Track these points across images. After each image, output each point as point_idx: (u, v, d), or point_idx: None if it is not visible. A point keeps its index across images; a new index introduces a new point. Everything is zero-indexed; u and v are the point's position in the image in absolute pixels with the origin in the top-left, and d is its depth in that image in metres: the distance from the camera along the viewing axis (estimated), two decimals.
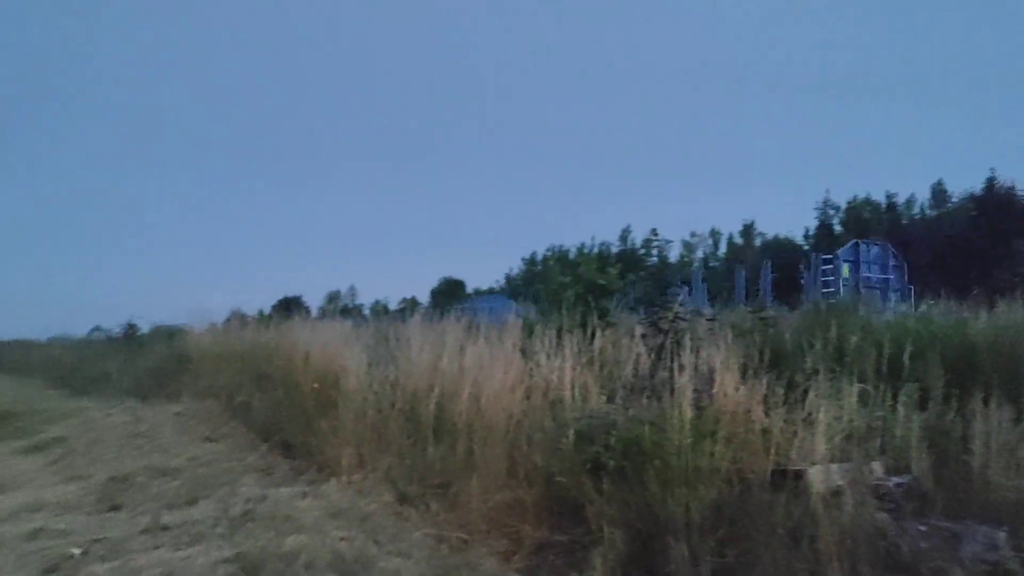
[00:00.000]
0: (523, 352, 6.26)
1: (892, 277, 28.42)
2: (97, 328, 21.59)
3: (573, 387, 5.62)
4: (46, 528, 5.60)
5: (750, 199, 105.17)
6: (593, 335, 6.32)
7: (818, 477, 4.09)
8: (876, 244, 30.24)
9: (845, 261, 27.51)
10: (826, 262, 27.49)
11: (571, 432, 4.88)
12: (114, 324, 19.87)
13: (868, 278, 26.91)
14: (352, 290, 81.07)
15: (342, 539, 4.85)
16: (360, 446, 6.44)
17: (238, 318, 13.05)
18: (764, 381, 4.65)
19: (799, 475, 4.14)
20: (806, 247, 61.54)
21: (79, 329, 25.58)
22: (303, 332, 9.01)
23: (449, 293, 69.17)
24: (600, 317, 6.90)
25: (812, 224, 65.56)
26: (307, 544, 4.68)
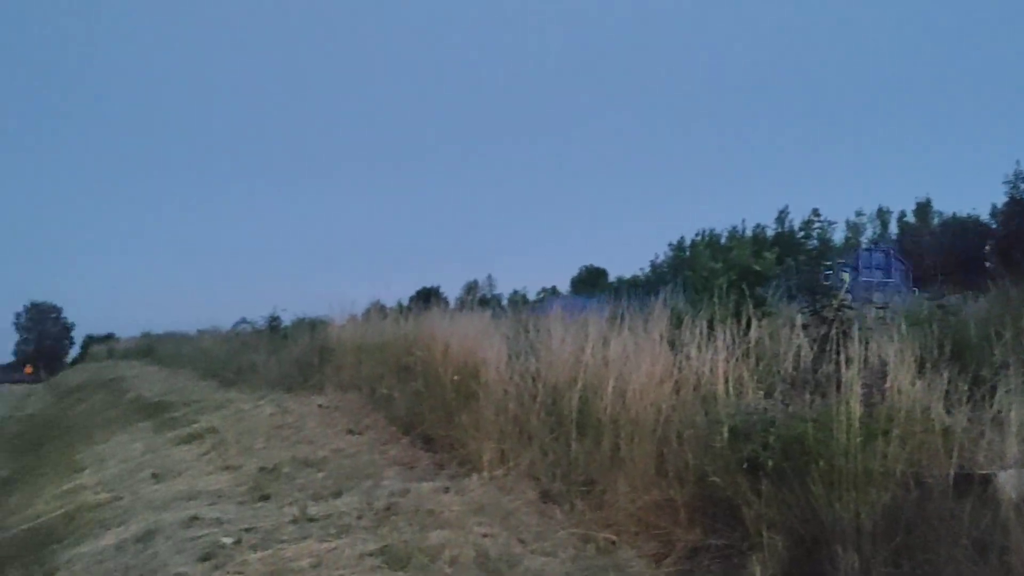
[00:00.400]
0: (671, 343, 6.18)
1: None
2: (243, 320, 22.95)
3: (727, 381, 5.50)
4: (201, 516, 6.04)
5: (925, 174, 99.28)
6: (748, 325, 6.16)
7: (1009, 483, 3.84)
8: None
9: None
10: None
11: (725, 429, 4.79)
12: (258, 316, 21.09)
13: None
14: (490, 280, 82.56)
15: (485, 536, 4.97)
16: (501, 440, 6.57)
17: (377, 309, 13.52)
18: (945, 375, 4.40)
19: (987, 480, 3.89)
20: (994, 225, 57.49)
21: (226, 322, 27.30)
22: (442, 323, 9.25)
23: (590, 282, 69.09)
24: (756, 306, 6.70)
25: (1000, 200, 61.09)
26: (451, 539, 4.83)
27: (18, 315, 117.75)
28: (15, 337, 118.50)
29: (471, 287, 74.79)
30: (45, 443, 17.24)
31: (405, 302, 15.47)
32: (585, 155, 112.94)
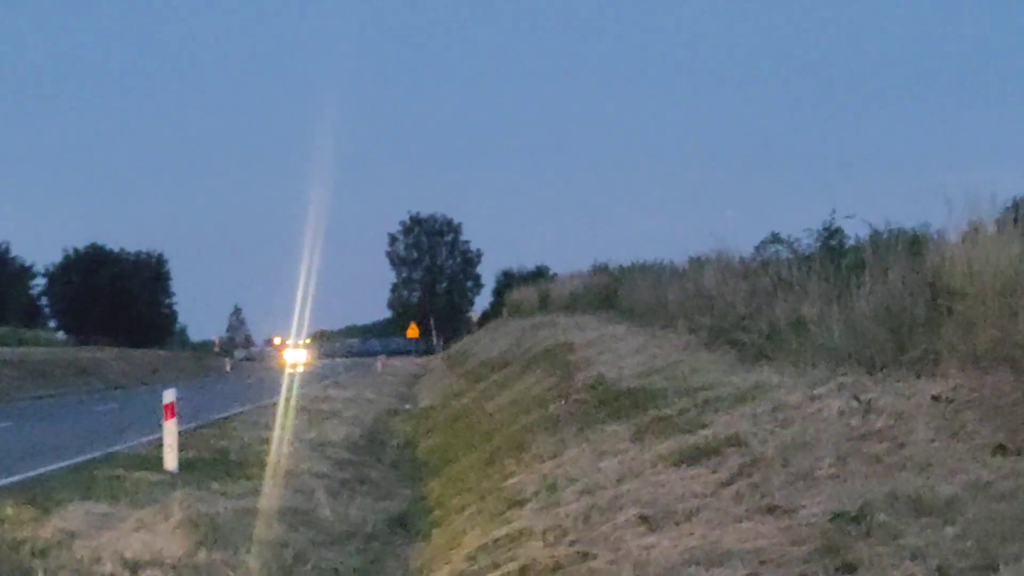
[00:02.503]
0: None
1: None
2: (773, 238, 23.32)
3: None
4: None
5: None
6: None
7: None
8: None
9: None
10: None
11: None
12: (799, 231, 21.29)
13: None
14: None
15: None
16: None
17: None
18: None
19: None
20: None
21: (741, 242, 27.90)
22: None
23: None
24: None
25: None
26: None
27: (392, 239, 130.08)
28: (390, 277, 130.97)
29: None
30: (455, 457, 19.41)
31: None
32: None
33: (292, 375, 46.83)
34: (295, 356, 76.82)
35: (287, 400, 31.81)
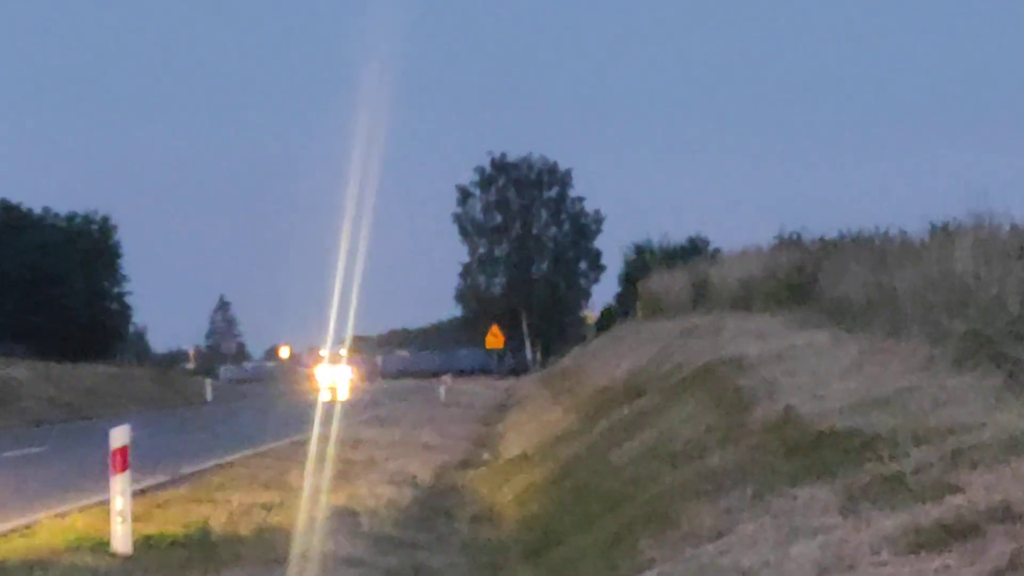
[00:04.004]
0: None
1: None
2: None
3: None
4: None
5: None
6: None
7: None
8: None
9: None
10: None
11: None
12: None
13: None
14: None
15: None
16: None
17: None
18: None
19: None
20: None
21: (1017, 202, 27.68)
22: None
23: None
24: None
25: None
26: None
27: (464, 194, 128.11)
28: (459, 254, 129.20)
29: None
30: (561, 534, 19.45)
31: None
32: None
33: (329, 404, 46.97)
34: (333, 375, 74.88)
35: (305, 442, 31.97)
